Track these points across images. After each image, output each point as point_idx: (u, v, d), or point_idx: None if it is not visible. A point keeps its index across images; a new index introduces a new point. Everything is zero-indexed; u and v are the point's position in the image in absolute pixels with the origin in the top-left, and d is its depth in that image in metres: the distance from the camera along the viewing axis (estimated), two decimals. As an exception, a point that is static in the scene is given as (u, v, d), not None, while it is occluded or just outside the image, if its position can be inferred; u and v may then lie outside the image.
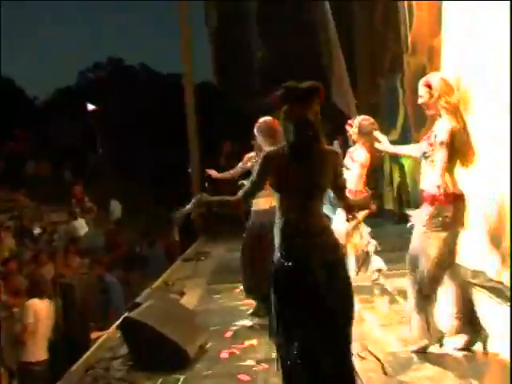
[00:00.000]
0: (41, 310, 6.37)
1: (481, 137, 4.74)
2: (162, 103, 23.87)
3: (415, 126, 8.87)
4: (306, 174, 3.20)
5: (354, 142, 6.17)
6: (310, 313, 3.14)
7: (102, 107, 23.64)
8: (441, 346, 4.33)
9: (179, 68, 16.16)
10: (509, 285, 5.07)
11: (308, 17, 17.37)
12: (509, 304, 4.92)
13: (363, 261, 6.22)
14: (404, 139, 11.47)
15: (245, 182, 3.76)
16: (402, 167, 11.79)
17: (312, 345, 3.13)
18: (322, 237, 3.22)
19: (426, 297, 4.26)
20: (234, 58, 21.73)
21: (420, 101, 4.46)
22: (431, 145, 4.29)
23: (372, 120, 6.10)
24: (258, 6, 22.17)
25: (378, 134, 5.45)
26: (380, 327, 5.18)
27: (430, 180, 4.27)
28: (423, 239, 4.27)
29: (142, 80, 28.01)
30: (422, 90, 4.42)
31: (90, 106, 23.59)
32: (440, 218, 4.20)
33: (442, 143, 4.18)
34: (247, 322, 5.70)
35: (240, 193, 3.33)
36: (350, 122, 6.23)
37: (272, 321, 3.29)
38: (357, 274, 6.03)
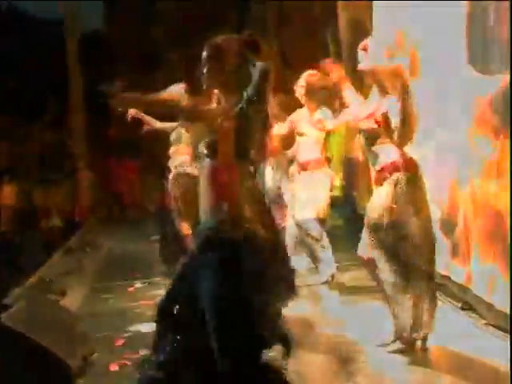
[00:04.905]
0: None
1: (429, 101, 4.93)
2: (35, 58, 23.26)
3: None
4: None
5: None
6: None
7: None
8: None
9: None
10: (457, 280, 5.29)
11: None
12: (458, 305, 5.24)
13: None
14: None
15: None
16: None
17: None
18: None
19: None
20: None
21: (360, 66, 4.45)
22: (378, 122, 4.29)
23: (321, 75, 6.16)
24: None
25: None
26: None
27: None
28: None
29: (8, 26, 27.26)
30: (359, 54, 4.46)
31: None
32: None
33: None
34: (143, 327, 5.65)
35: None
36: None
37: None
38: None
